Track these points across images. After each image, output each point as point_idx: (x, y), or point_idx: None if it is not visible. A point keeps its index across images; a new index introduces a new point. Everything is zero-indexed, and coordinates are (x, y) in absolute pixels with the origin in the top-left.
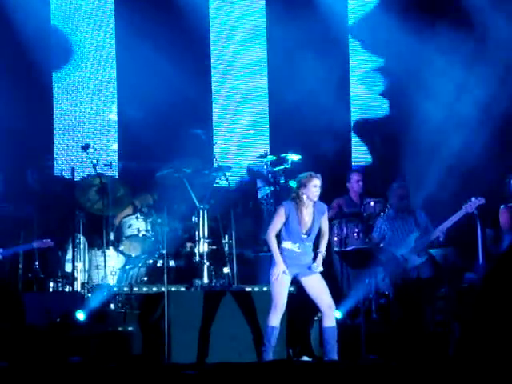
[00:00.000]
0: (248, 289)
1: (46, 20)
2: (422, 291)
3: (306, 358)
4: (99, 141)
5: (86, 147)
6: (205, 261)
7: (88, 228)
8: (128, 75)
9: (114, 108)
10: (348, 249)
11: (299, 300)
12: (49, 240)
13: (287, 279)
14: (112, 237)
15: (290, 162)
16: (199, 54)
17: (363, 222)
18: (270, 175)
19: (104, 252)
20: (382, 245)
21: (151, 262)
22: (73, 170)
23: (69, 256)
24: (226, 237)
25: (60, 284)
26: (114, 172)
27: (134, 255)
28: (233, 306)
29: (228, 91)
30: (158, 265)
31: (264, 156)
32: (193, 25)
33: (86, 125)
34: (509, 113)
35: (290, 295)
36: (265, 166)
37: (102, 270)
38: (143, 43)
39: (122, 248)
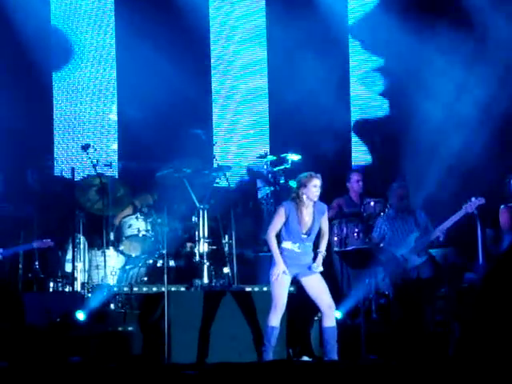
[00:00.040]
0: (248, 289)
1: (46, 20)
2: (421, 291)
3: (306, 358)
4: (99, 141)
5: (85, 147)
6: (205, 261)
7: (88, 228)
8: (128, 75)
9: (114, 108)
10: (348, 249)
11: (299, 300)
12: (49, 240)
13: (287, 279)
14: (112, 237)
15: (289, 162)
16: (199, 54)
17: (363, 221)
18: (270, 175)
19: (104, 252)
20: (382, 245)
21: (151, 261)
22: (73, 170)
23: (69, 256)
24: (226, 237)
25: (60, 284)
26: (114, 172)
27: (134, 255)
28: (233, 305)
29: (228, 91)
30: (158, 265)
31: (264, 156)
32: (193, 25)
33: (86, 125)
34: (509, 113)
35: (290, 295)
36: (265, 166)
37: (102, 269)
38: (143, 43)
39: (122, 248)
